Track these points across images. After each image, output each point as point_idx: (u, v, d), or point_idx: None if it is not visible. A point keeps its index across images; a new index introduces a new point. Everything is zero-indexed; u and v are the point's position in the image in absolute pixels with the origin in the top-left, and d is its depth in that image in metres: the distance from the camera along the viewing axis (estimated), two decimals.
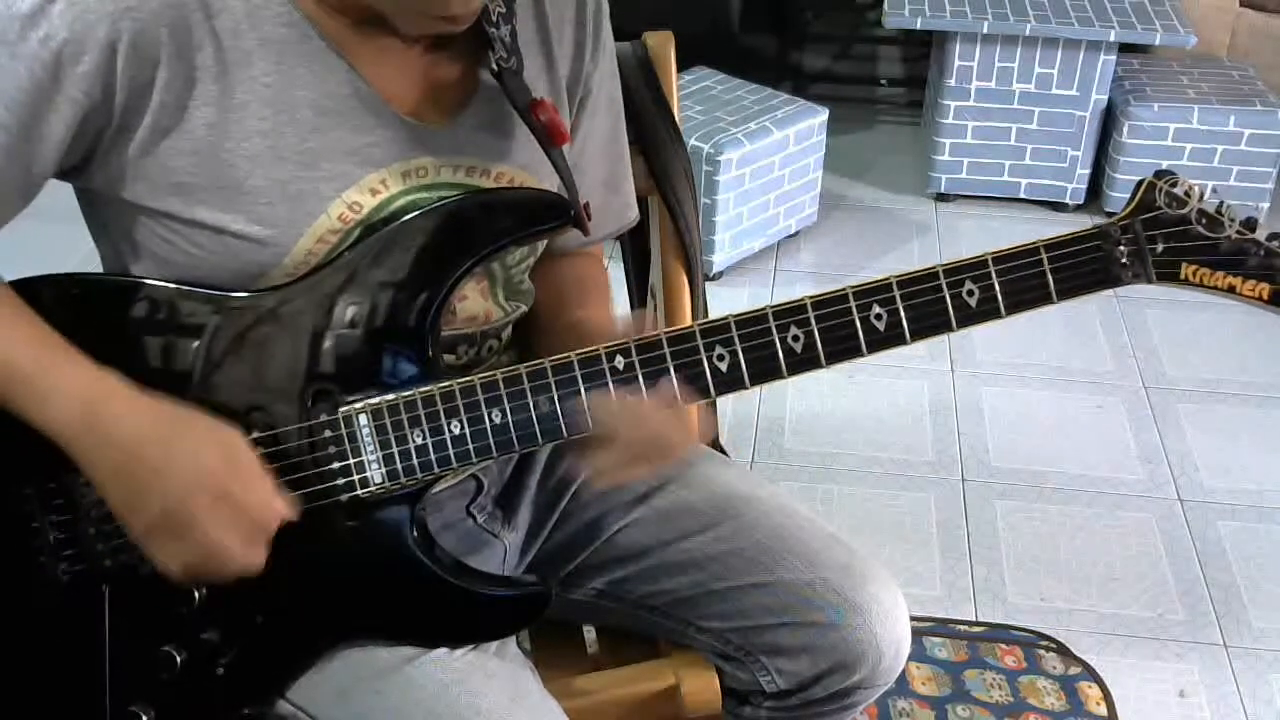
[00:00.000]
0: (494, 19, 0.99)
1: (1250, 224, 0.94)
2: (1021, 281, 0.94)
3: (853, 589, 1.09)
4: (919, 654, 1.91)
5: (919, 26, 3.06)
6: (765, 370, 0.95)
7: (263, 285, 0.96)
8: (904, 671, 1.38)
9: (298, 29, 0.93)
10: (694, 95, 3.00)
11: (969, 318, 0.95)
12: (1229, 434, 2.44)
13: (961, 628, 1.98)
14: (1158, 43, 2.98)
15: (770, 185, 2.90)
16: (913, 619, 1.14)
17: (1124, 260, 0.95)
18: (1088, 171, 3.17)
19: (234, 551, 0.91)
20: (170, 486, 0.90)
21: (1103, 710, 1.83)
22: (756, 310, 0.95)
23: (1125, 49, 3.08)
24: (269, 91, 0.92)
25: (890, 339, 0.95)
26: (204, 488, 0.90)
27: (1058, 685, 1.87)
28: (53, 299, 0.95)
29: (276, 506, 0.93)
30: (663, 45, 1.36)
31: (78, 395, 0.90)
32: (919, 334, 0.95)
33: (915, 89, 3.88)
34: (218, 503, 0.90)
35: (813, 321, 0.94)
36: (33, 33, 0.86)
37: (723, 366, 0.95)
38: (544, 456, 1.20)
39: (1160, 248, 0.95)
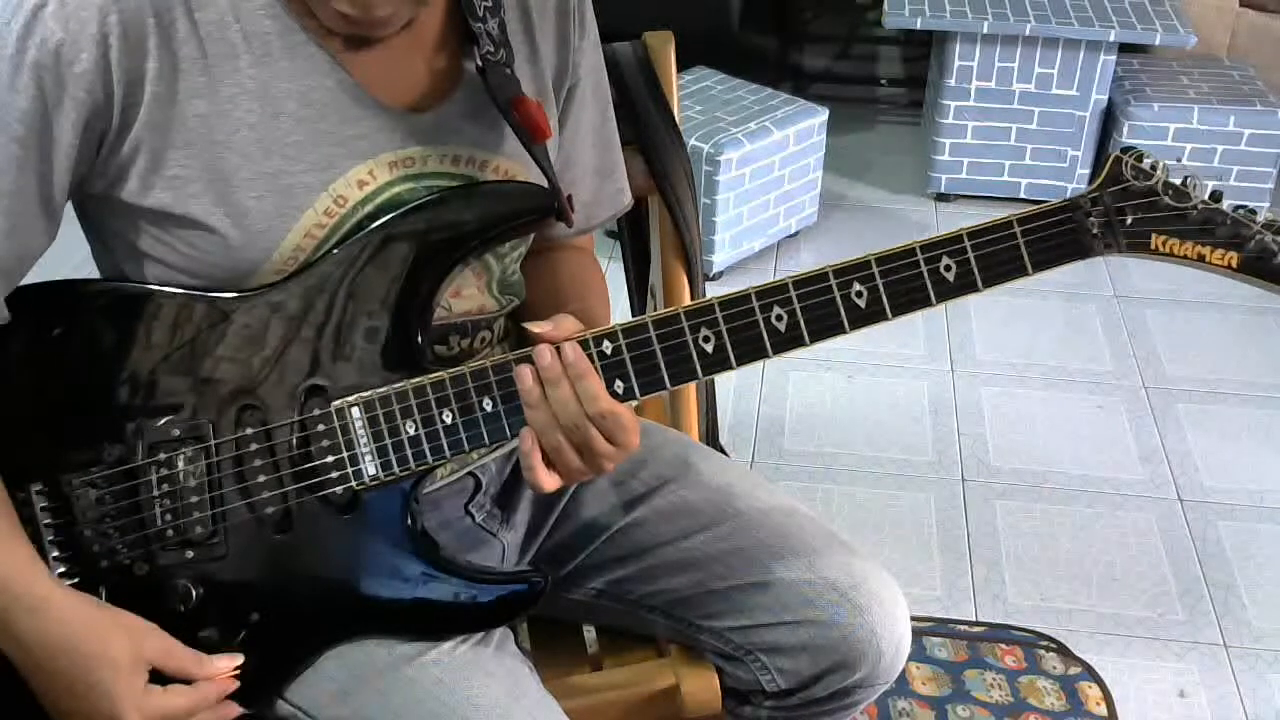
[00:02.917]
0: (480, 13, 1.00)
1: (1216, 196, 0.96)
2: (996, 255, 0.96)
3: (853, 588, 1.10)
4: (919, 654, 1.91)
5: (919, 26, 3.06)
6: (750, 350, 0.96)
7: (252, 283, 0.96)
8: (904, 671, 1.38)
9: (280, 22, 0.93)
10: (694, 95, 3.00)
11: (947, 291, 0.96)
12: (1229, 434, 2.44)
13: (961, 628, 1.98)
14: (1158, 43, 2.98)
15: (770, 185, 2.90)
16: (913, 619, 1.14)
17: (1095, 231, 0.96)
18: (1088, 171, 3.17)
19: None
20: (93, 711, 0.91)
21: (1103, 710, 1.83)
22: (740, 291, 0.96)
23: (1125, 49, 3.08)
24: (254, 84, 0.93)
25: (871, 315, 0.96)
26: (119, 712, 0.91)
27: (1058, 685, 1.87)
28: (44, 305, 0.96)
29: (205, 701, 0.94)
30: (663, 45, 1.36)
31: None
32: (899, 310, 0.96)
33: (915, 89, 3.88)
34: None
35: (795, 300, 0.95)
36: (30, 41, 0.87)
37: (708, 348, 0.95)
38: None
39: (1129, 219, 0.96)
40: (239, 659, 0.96)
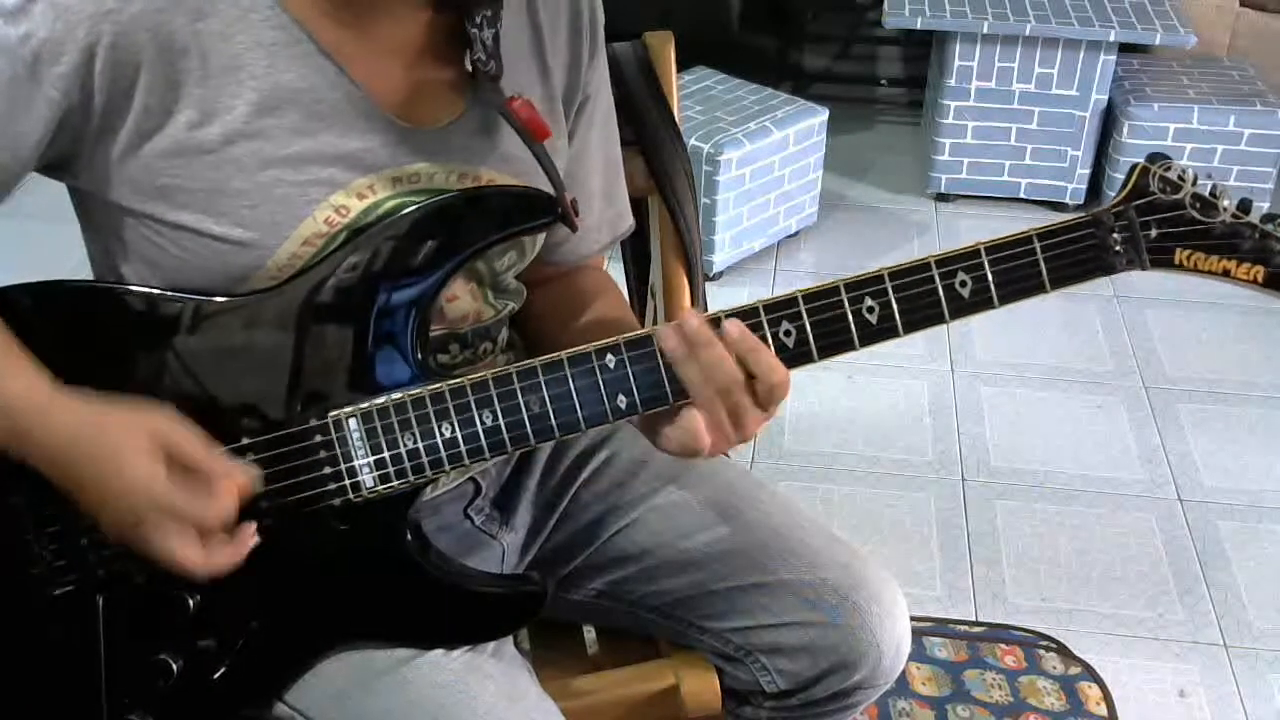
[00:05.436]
0: (477, 21, 0.98)
1: (1245, 206, 0.93)
2: (1014, 271, 0.93)
3: (853, 589, 1.09)
4: (919, 654, 1.91)
5: (919, 26, 3.06)
6: None
7: (247, 288, 0.95)
8: (904, 671, 1.38)
9: (287, 32, 0.92)
10: (694, 95, 3.00)
11: (962, 308, 0.94)
12: (1229, 434, 2.44)
13: (961, 628, 1.98)
14: (1158, 43, 2.98)
15: (770, 185, 2.90)
16: (913, 619, 1.14)
17: (1117, 247, 0.93)
18: (1088, 171, 3.17)
19: (195, 562, 0.90)
20: (117, 501, 0.89)
21: (1103, 710, 1.83)
22: (748, 305, 0.94)
23: (1125, 49, 3.08)
24: (256, 95, 0.92)
25: (883, 331, 0.94)
26: (146, 497, 0.88)
27: (1058, 685, 1.87)
28: (36, 306, 0.94)
29: (226, 503, 0.90)
30: (663, 45, 1.36)
31: (11, 412, 0.88)
32: (912, 326, 0.94)
33: (915, 89, 3.88)
34: (162, 517, 0.88)
35: (804, 315, 0.93)
36: (12, 29, 0.86)
37: None
38: (542, 457, 1.20)
39: (1154, 233, 0.93)
40: (252, 475, 0.92)
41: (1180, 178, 0.93)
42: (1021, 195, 3.23)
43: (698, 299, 1.38)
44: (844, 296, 0.93)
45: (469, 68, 0.98)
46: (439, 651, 1.00)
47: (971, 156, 3.20)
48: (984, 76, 3.09)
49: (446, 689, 0.98)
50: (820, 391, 2.53)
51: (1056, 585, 2.07)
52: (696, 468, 1.18)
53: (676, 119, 1.35)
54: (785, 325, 0.93)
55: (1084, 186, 3.19)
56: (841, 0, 4.10)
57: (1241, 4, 3.45)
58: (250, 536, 0.92)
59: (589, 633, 1.29)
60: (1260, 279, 0.93)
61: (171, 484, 0.88)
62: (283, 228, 0.94)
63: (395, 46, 0.97)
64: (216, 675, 0.97)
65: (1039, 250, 0.93)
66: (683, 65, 1.40)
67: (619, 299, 1.19)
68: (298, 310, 0.95)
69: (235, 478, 0.91)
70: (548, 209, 1.00)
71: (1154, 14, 3.05)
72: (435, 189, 0.99)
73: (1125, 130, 3.04)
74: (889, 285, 0.93)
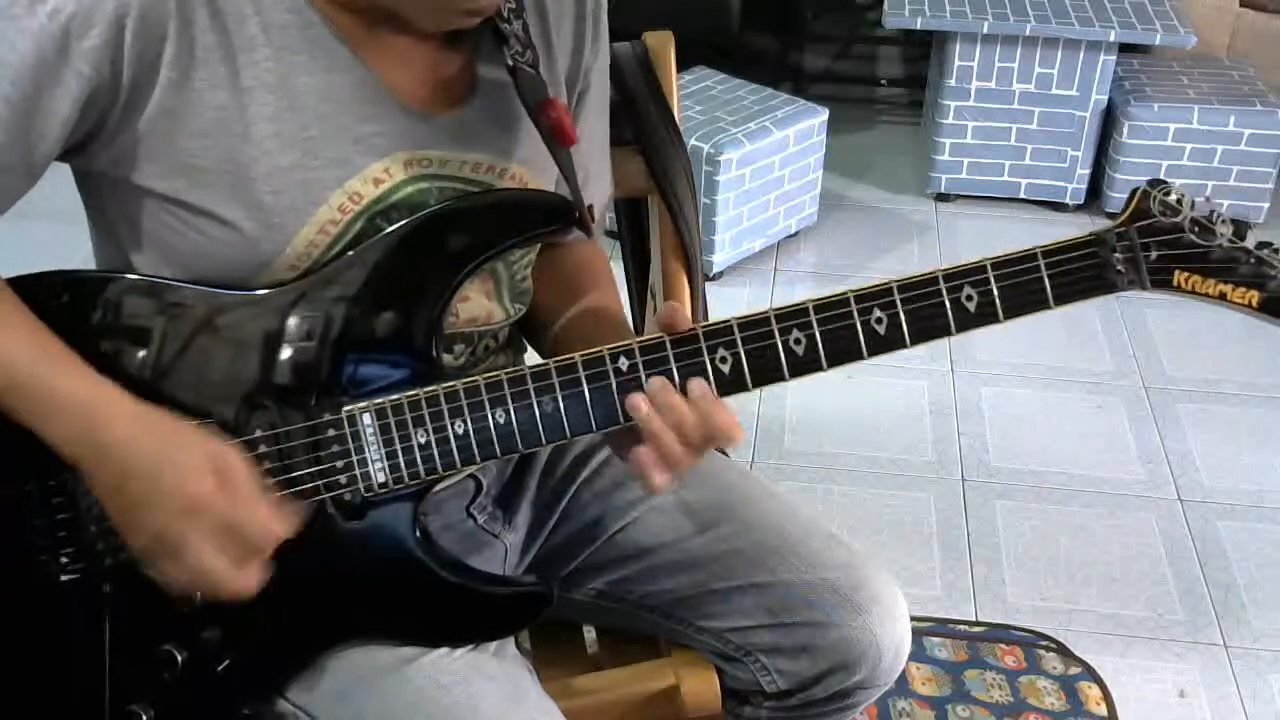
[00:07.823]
0: (505, 14, 0.99)
1: (1240, 231, 0.95)
2: (1019, 287, 0.95)
3: (853, 589, 1.10)
4: (919, 654, 1.91)
5: (919, 26, 3.06)
6: (767, 372, 0.96)
7: (265, 277, 0.96)
8: (904, 671, 1.38)
9: (302, 16, 0.93)
10: (694, 95, 3.00)
11: (968, 322, 0.96)
12: (1229, 434, 2.44)
13: (961, 628, 1.98)
14: (1158, 43, 2.98)
15: (770, 185, 2.90)
16: (913, 619, 1.14)
17: (1119, 267, 0.96)
18: (1088, 172, 3.17)
19: (225, 576, 0.91)
20: (162, 509, 0.90)
21: (1103, 710, 1.83)
22: (759, 313, 0.95)
23: (1125, 49, 3.09)
24: (273, 78, 0.92)
25: (890, 342, 0.95)
26: (196, 512, 0.90)
27: (1058, 685, 1.87)
28: (53, 298, 0.95)
29: (270, 529, 0.92)
30: (663, 45, 1.36)
31: (74, 408, 0.89)
32: (918, 338, 0.96)
33: (915, 89, 3.88)
34: (209, 528, 0.90)
35: (815, 325, 0.95)
36: (40, 6, 0.85)
37: (725, 369, 0.95)
38: (544, 456, 1.20)
39: (1154, 255, 0.95)
40: (289, 532, 0.94)
41: (1179, 202, 0.95)
42: (1021, 195, 3.23)
43: (698, 299, 1.38)
44: (854, 308, 0.95)
45: (509, 62, 0.99)
46: (442, 651, 1.00)
47: (971, 156, 3.20)
48: (984, 76, 3.09)
49: (449, 689, 0.98)
50: (820, 391, 2.53)
51: (1056, 585, 2.07)
52: (697, 468, 1.18)
53: (676, 119, 1.35)
54: (796, 334, 0.95)
55: (1084, 187, 3.19)
56: (841, 0, 4.11)
57: (1241, 4, 3.45)
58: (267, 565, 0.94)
59: (589, 633, 1.29)
60: (1254, 303, 0.95)
61: (226, 500, 0.90)
62: (302, 213, 0.94)
63: (411, 39, 0.97)
64: (220, 668, 0.98)
65: (1044, 268, 0.95)
66: (683, 65, 1.40)
67: (611, 277, 1.19)
68: (315, 305, 0.95)
69: (277, 521, 0.93)
70: (565, 214, 1.01)
71: (1154, 14, 3.05)
72: (447, 175, 1.00)
73: (1125, 130, 3.04)
74: (898, 298, 0.95)
